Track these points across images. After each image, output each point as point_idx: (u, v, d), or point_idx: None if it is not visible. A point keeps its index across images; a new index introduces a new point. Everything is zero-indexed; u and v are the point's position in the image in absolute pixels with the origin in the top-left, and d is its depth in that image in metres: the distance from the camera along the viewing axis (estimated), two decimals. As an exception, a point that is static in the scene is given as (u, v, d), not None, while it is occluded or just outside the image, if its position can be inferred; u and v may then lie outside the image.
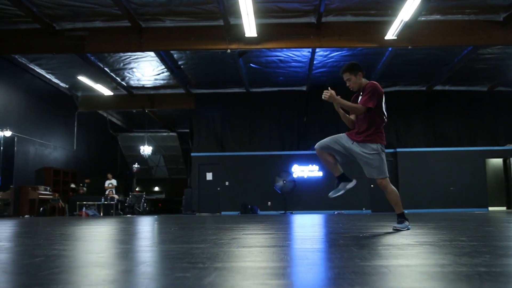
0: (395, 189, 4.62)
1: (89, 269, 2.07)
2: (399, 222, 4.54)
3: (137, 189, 27.85)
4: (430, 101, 18.42)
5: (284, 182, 17.31)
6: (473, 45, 13.42)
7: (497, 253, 2.41)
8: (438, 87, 18.16)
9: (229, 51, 13.12)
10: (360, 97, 4.56)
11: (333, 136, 4.67)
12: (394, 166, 17.96)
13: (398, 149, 17.99)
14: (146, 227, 6.56)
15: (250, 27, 11.96)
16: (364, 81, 4.60)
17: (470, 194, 17.34)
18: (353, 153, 4.53)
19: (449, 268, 1.82)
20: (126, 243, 3.63)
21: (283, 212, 17.21)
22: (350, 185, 4.72)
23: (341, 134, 4.66)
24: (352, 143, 4.51)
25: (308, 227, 5.81)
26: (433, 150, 17.90)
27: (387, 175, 4.56)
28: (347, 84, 4.60)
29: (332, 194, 4.71)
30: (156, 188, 30.03)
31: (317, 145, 4.65)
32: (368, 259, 2.16)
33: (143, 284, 1.64)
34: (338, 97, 4.43)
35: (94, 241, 3.94)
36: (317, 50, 14.31)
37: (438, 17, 12.54)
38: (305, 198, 17.81)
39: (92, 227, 6.57)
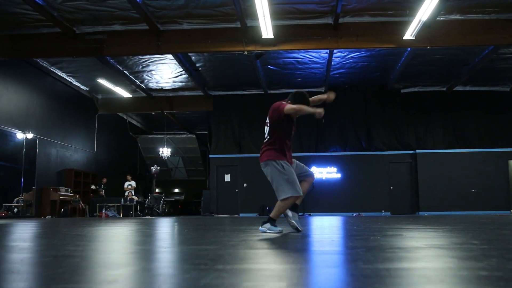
0: None
1: (93, 269, 2.10)
2: (264, 223, 4.59)
3: (157, 190, 28.12)
4: (451, 101, 18.16)
5: (302, 183, 17.22)
6: (494, 45, 13.20)
7: (505, 257, 2.37)
8: (459, 88, 17.88)
9: (246, 53, 13.13)
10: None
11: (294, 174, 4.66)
12: (414, 167, 17.76)
13: (417, 151, 17.78)
14: (161, 228, 6.62)
15: (266, 29, 11.96)
16: None
17: (492, 196, 17.03)
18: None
19: (450, 272, 1.80)
20: (137, 244, 3.67)
21: (301, 214, 17.15)
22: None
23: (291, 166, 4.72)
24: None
25: (321, 229, 5.79)
26: (454, 152, 17.63)
27: None
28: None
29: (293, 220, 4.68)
30: (177, 190, 30.26)
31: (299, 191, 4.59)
32: (371, 262, 2.14)
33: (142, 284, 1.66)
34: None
35: (105, 241, 3.99)
36: (335, 51, 14.25)
37: (457, 16, 12.34)
38: (324, 200, 17.72)
39: (107, 228, 6.65)
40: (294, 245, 3.40)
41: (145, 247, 3.43)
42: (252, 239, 3.94)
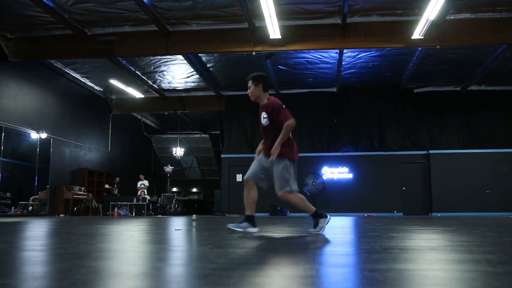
0: (300, 195, 4.53)
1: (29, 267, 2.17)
2: (315, 225, 4.49)
3: (174, 189, 28.39)
4: (465, 101, 17.88)
5: (313, 184, 17.23)
6: (506, 44, 12.97)
7: (452, 259, 2.36)
8: (474, 87, 17.60)
9: (254, 53, 13.18)
10: (263, 112, 4.65)
11: (255, 163, 4.66)
12: (427, 168, 17.56)
13: (431, 151, 17.58)
14: (152, 228, 6.68)
15: (274, 29, 11.99)
16: (264, 95, 4.74)
17: (507, 197, 16.71)
18: (271, 171, 4.55)
19: (375, 273, 1.81)
20: (108, 243, 3.74)
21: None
22: (252, 230, 4.60)
23: (259, 157, 4.68)
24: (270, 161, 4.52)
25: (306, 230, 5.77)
26: (468, 152, 17.37)
27: (293, 188, 4.47)
28: (248, 91, 4.76)
29: (232, 227, 4.63)
30: (194, 189, 30.53)
31: (247, 176, 4.63)
32: (311, 262, 2.16)
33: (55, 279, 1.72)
34: (275, 147, 4.47)
35: (69, 239, 4.07)
36: (345, 51, 14.18)
37: (467, 15, 12.17)
38: (335, 200, 17.66)
39: (108, 226, 6.75)
40: (260, 244, 3.42)
41: (104, 245, 3.49)
42: (228, 239, 3.97)
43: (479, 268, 1.97)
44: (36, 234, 4.99)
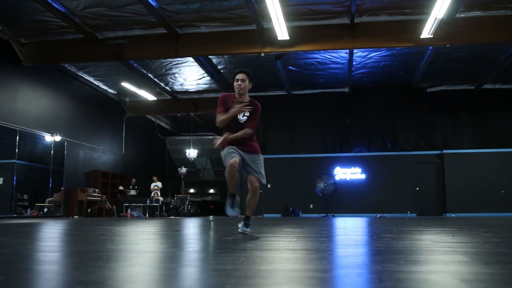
0: None
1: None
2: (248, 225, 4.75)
3: (191, 190, 28.58)
4: (479, 100, 17.63)
5: (325, 184, 17.17)
6: (518, 41, 12.78)
7: (422, 260, 2.36)
8: (488, 86, 17.35)
9: (262, 54, 13.20)
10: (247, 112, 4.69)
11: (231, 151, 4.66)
12: (441, 168, 17.37)
13: (444, 151, 17.38)
14: (157, 228, 6.75)
15: (281, 30, 12.00)
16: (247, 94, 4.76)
17: (523, 197, 16.45)
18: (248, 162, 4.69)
19: (326, 273, 1.83)
20: (96, 244, 3.80)
21: (324, 215, 17.08)
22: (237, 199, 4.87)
23: (234, 150, 4.69)
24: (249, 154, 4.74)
25: (306, 231, 5.79)
26: (482, 152, 17.12)
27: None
28: (238, 83, 4.68)
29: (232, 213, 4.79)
30: (211, 191, 30.67)
31: (236, 157, 4.60)
32: (275, 263, 2.18)
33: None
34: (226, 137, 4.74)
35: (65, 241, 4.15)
36: (355, 51, 14.14)
37: (478, 13, 12.01)
38: (348, 200, 17.59)
39: (112, 228, 6.85)
40: (233, 246, 3.43)
41: (91, 247, 3.55)
42: (220, 241, 4.00)
43: (436, 269, 1.97)
44: (37, 235, 5.09)
